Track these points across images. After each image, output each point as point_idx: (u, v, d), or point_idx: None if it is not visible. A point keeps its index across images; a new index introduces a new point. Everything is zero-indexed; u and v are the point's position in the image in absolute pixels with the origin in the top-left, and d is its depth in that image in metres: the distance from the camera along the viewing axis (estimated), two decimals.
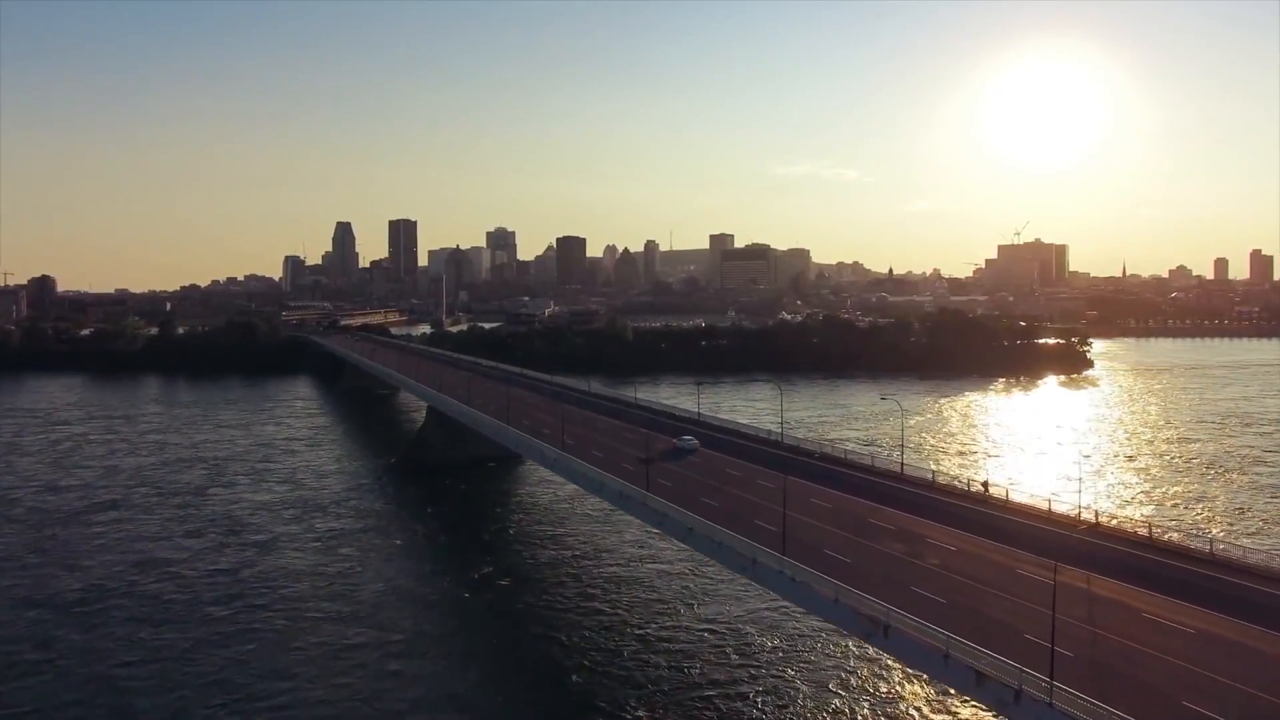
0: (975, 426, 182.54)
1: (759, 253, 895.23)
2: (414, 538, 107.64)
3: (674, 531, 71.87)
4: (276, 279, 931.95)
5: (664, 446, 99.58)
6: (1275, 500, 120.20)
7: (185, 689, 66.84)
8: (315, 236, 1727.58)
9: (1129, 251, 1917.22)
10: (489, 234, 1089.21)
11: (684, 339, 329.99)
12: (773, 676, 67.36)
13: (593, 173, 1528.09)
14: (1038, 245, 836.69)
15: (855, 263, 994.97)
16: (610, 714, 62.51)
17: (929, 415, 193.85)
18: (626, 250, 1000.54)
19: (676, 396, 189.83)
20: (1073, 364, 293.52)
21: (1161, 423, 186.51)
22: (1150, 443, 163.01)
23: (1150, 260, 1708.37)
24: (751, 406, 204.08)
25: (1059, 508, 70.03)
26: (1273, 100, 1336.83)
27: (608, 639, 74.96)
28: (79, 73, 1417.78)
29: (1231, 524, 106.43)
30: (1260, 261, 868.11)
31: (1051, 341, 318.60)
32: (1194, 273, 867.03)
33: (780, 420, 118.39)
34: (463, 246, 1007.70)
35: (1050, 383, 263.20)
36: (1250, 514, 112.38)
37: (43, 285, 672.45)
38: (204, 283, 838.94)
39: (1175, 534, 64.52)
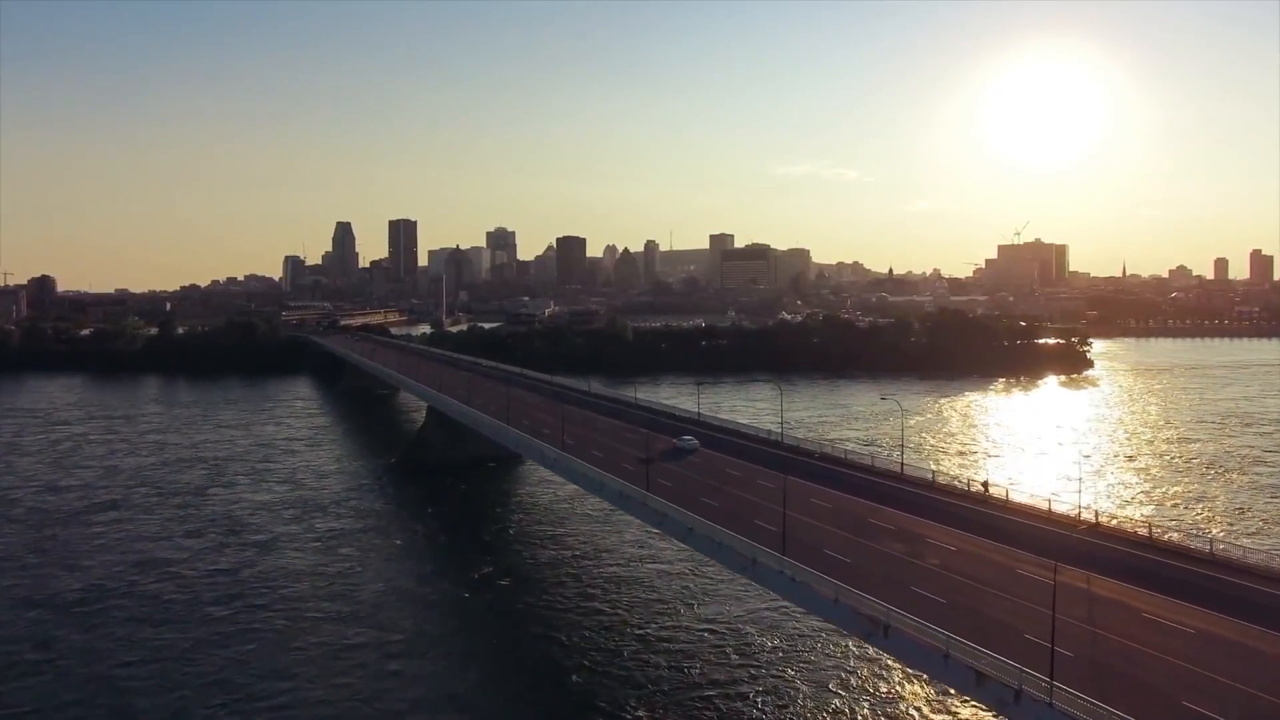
0: (975, 426, 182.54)
1: (759, 253, 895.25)
2: (414, 538, 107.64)
3: (674, 532, 71.86)
4: (276, 279, 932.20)
5: (664, 446, 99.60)
6: (1275, 500, 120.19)
7: (185, 689, 66.84)
8: (315, 236, 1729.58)
9: (1129, 251, 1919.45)
10: (489, 234, 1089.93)
11: (684, 339, 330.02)
12: (773, 676, 67.36)
13: (593, 173, 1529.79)
14: (1038, 245, 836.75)
15: (855, 263, 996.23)
16: (611, 714, 62.51)
17: (929, 415, 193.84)
18: (626, 250, 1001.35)
19: (676, 396, 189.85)
20: (1073, 364, 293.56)
21: (1162, 423, 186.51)
22: (1150, 443, 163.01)
23: (1150, 260, 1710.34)
24: (751, 406, 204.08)
25: (1059, 508, 70.01)
26: (1273, 100, 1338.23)
27: (608, 639, 74.97)
28: (79, 73, 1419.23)
29: (1232, 524, 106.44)
30: (1260, 261, 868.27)
31: (1051, 341, 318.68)
32: (1194, 273, 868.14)
33: (780, 420, 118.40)
34: (463, 246, 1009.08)
35: (1050, 383, 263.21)
36: (1250, 514, 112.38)
37: (43, 285, 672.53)
38: (204, 283, 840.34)
39: (1175, 534, 64.53)
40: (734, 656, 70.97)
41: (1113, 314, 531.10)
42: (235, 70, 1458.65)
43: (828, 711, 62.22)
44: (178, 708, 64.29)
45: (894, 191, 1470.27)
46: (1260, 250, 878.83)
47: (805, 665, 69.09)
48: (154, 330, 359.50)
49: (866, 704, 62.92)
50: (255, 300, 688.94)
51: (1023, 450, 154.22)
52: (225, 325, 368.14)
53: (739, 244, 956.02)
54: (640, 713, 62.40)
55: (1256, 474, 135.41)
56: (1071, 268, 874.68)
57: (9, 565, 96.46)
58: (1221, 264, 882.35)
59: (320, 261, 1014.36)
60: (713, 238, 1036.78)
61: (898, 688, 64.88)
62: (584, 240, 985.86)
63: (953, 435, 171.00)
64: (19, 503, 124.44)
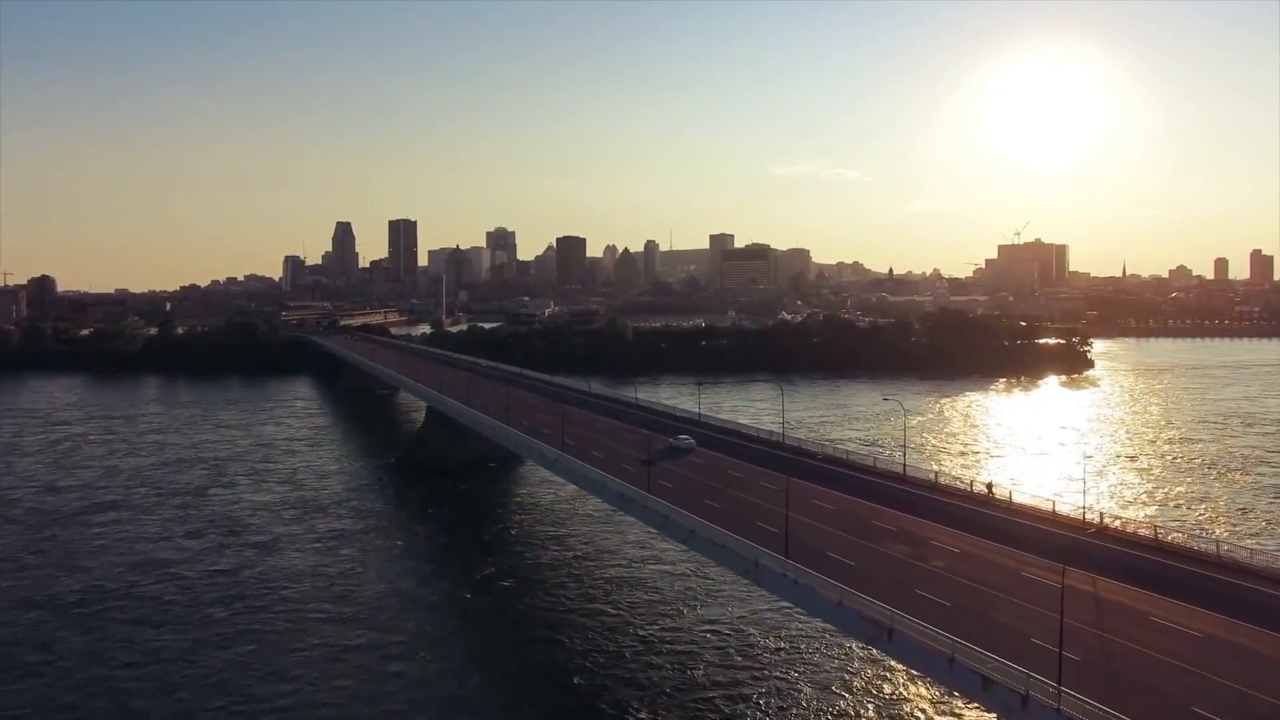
0: (976, 427, 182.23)
1: (759, 253, 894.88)
2: (415, 539, 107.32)
3: (675, 534, 71.44)
4: (276, 279, 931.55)
5: (661, 446, 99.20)
6: (1278, 501, 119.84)
7: (185, 691, 66.55)
8: (315, 236, 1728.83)
9: (1129, 251, 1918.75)
10: (489, 234, 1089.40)
11: (684, 339, 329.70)
12: (776, 678, 67.05)
13: (593, 173, 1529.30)
14: (1038, 245, 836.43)
15: (855, 263, 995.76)
16: (613, 716, 62.20)
17: (930, 415, 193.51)
18: (626, 250, 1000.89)
19: (677, 397, 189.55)
20: (1073, 364, 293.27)
21: (1163, 423, 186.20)
22: (1152, 443, 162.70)
23: (1150, 260, 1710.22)
24: (752, 406, 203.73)
25: (1063, 509, 69.66)
26: (1273, 100, 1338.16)
27: (610, 640, 74.64)
28: (79, 73, 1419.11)
29: (1235, 525, 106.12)
30: (1260, 261, 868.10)
31: (1052, 341, 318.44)
32: (1194, 273, 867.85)
33: (782, 421, 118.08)
34: (463, 246, 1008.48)
35: (1051, 383, 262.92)
36: (1254, 514, 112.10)
37: (43, 285, 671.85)
38: (204, 283, 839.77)
39: (1181, 536, 64.07)
40: (737, 658, 70.66)
41: (1113, 314, 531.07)
42: (235, 70, 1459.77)
43: (831, 714, 61.92)
44: (178, 710, 63.99)
45: (894, 191, 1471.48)
46: (1260, 250, 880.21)
47: (808, 667, 68.79)
48: (154, 330, 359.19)
49: (871, 706, 62.62)
50: (255, 300, 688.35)
51: (1024, 450, 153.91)
52: (225, 325, 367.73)
53: (739, 244, 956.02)
54: (643, 714, 62.09)
55: (1259, 474, 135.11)
56: (1071, 268, 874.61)
57: (9, 566, 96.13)
58: (1221, 264, 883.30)
59: (320, 261, 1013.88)
60: (713, 238, 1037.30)
61: (902, 690, 64.58)
62: (584, 240, 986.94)
63: (954, 435, 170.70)
64: (18, 503, 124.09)
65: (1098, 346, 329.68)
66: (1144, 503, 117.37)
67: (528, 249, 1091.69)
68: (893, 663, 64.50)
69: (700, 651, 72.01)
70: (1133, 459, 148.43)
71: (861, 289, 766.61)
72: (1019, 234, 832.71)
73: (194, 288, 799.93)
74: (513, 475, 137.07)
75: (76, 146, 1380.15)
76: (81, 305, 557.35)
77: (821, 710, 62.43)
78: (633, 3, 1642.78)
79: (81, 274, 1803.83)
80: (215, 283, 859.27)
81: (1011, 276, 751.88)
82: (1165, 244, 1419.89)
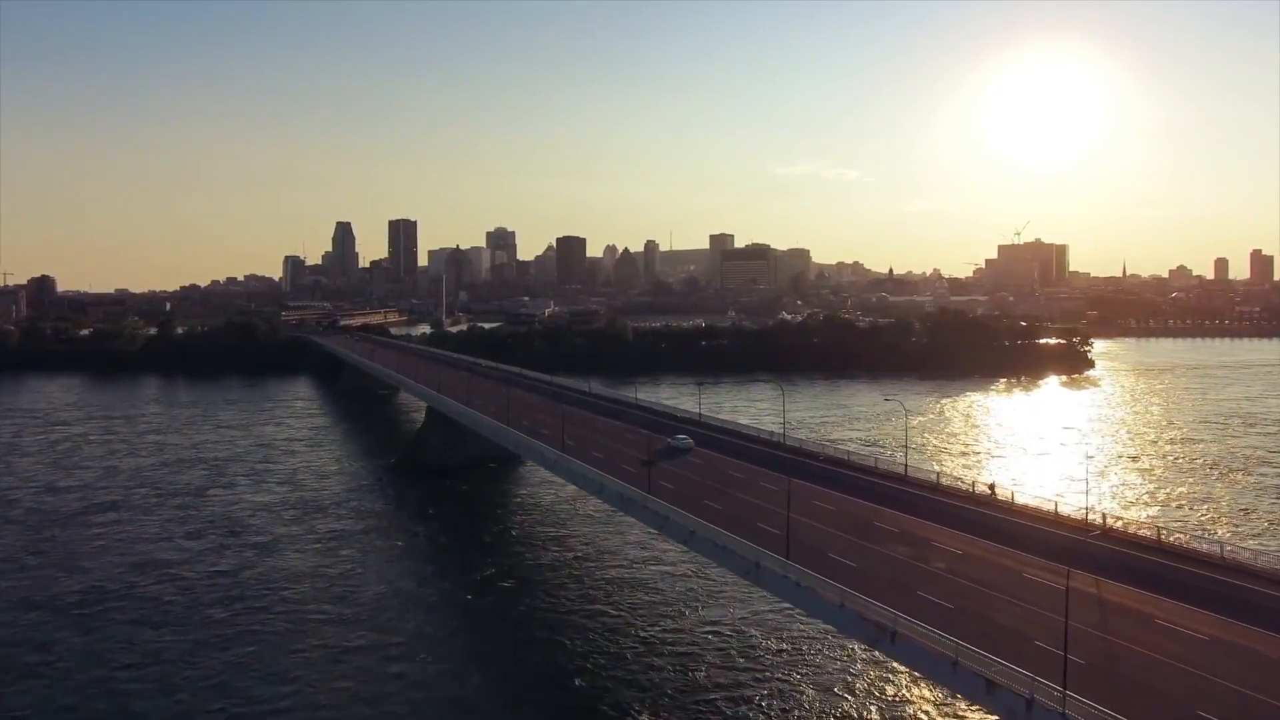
0: (977, 427, 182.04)
1: (759, 253, 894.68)
2: (415, 539, 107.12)
3: (676, 535, 71.24)
4: (276, 279, 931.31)
5: (661, 447, 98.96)
6: None
7: (185, 692, 66.36)
8: (315, 236, 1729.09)
9: (1129, 251, 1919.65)
10: (489, 234, 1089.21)
11: (684, 339, 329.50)
12: (778, 679, 66.86)
13: (593, 173, 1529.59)
14: (1038, 245, 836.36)
15: (855, 263, 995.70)
16: (614, 718, 61.99)
17: (931, 416, 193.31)
18: (626, 250, 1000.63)
19: (677, 397, 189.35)
20: (1074, 364, 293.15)
21: (1164, 423, 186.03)
22: (1153, 443, 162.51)
23: (1150, 260, 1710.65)
24: (752, 407, 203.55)
25: (1065, 510, 69.44)
26: (1273, 100, 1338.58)
27: (611, 641, 74.43)
28: (79, 73, 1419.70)
29: (1237, 525, 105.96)
30: (1260, 261, 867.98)
31: (1052, 342, 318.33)
32: (1194, 273, 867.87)
33: (782, 421, 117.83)
34: (463, 246, 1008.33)
35: (1051, 383, 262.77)
36: (1256, 515, 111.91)
37: (42, 285, 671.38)
38: (204, 283, 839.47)
39: (1184, 537, 63.84)
40: (739, 660, 70.45)
41: (1113, 314, 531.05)
42: (235, 70, 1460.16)
43: (834, 716, 61.71)
44: (178, 711, 63.79)
45: (894, 191, 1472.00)
46: (1260, 250, 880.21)
47: (811, 668, 68.59)
48: (153, 330, 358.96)
49: (873, 708, 62.41)
50: (255, 300, 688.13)
51: (1025, 451, 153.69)
52: (225, 325, 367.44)
53: (739, 244, 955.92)
54: (644, 716, 61.90)
55: (1261, 475, 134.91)
56: (1071, 268, 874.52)
57: (8, 566, 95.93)
58: (1221, 264, 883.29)
59: (320, 261, 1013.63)
60: (713, 238, 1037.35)
61: (905, 691, 64.36)
62: (584, 240, 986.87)
63: (955, 436, 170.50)
64: (18, 503, 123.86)
65: (1098, 346, 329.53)
66: (1146, 503, 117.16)
67: (528, 249, 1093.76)
68: (895, 664, 64.31)
69: (702, 653, 71.83)
70: (1134, 459, 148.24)
71: (861, 289, 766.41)
72: (1019, 234, 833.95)
73: (194, 288, 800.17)
74: (513, 475, 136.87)
75: (76, 146, 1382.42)
76: (81, 305, 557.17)
77: (824, 712, 62.23)
78: (633, 3, 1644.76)
79: (81, 274, 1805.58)
80: (215, 283, 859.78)
81: (1011, 276, 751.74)
82: (1165, 244, 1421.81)
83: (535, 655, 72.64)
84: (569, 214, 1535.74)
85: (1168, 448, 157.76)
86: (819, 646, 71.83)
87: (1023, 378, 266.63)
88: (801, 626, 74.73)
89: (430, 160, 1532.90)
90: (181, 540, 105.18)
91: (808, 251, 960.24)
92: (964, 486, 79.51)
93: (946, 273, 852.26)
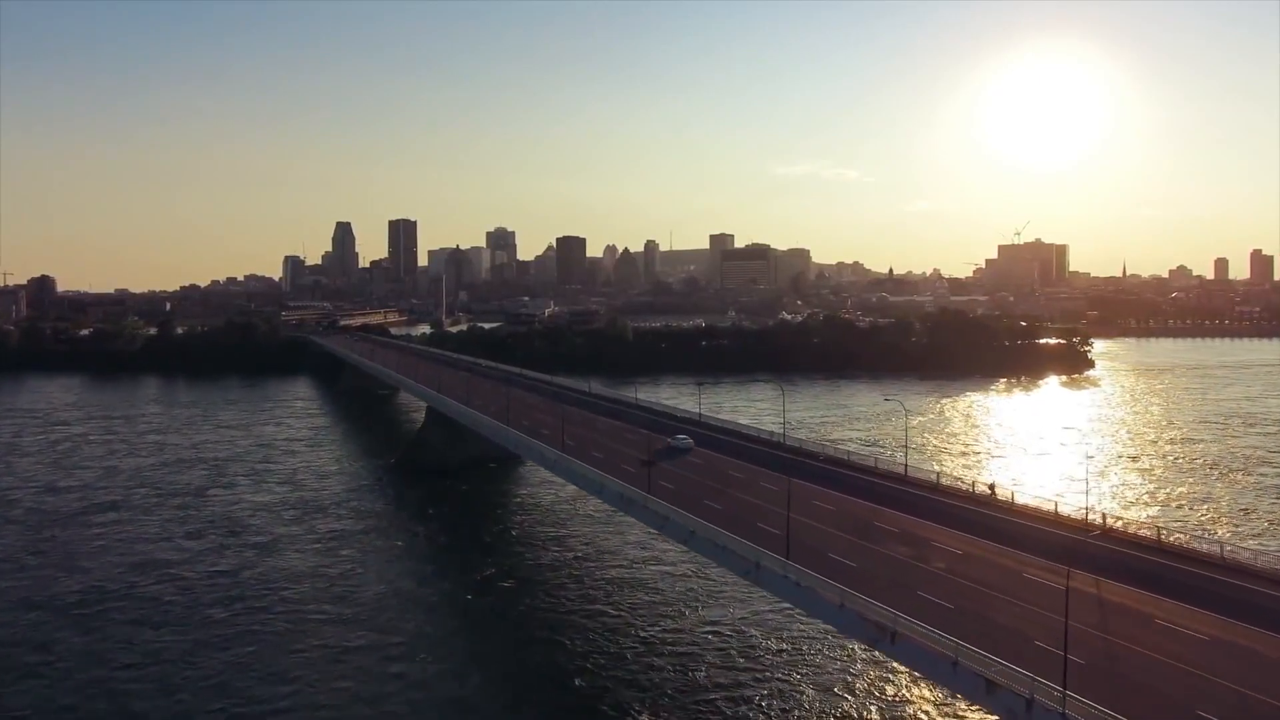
0: (977, 427, 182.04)
1: (759, 253, 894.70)
2: (415, 539, 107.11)
3: (675, 535, 71.24)
4: (276, 279, 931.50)
5: (659, 446, 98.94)
6: None
7: (185, 692, 66.35)
8: (315, 236, 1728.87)
9: (1129, 251, 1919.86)
10: (489, 234, 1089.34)
11: (684, 339, 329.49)
12: (778, 679, 66.86)
13: (593, 173, 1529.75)
14: (1038, 245, 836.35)
15: (855, 263, 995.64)
16: (615, 718, 61.97)
17: (931, 415, 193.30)
18: (626, 250, 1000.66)
19: (677, 397, 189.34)
20: (1074, 364, 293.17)
21: (1164, 423, 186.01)
22: (1154, 443, 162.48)
23: (1150, 260, 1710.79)
24: (752, 407, 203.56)
25: (1065, 510, 69.43)
26: (1273, 100, 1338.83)
27: (611, 641, 74.42)
28: (79, 73, 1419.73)
29: (1238, 525, 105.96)
30: (1260, 261, 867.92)
31: (1052, 342, 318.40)
32: (1194, 273, 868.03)
33: (783, 421, 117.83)
34: (463, 246, 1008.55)
35: (1052, 383, 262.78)
36: (1256, 515, 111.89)
37: (42, 285, 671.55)
38: (204, 283, 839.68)
39: (1184, 537, 63.83)
40: (739, 659, 70.45)
41: (1113, 314, 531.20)
42: (235, 70, 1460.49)
43: (834, 716, 61.71)
44: (178, 711, 63.78)
45: (894, 191, 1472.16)
46: (1260, 250, 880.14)
47: (811, 668, 68.59)
48: (153, 330, 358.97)
49: (874, 708, 62.40)
50: (255, 300, 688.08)
51: (1025, 451, 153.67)
52: (225, 325, 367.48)
53: (739, 244, 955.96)
54: (644, 716, 61.89)
55: (1261, 475, 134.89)
56: (1071, 268, 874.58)
57: (8, 566, 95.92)
58: (1222, 264, 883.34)
59: (320, 261, 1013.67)
60: (713, 238, 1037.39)
61: (905, 692, 64.35)
62: (584, 240, 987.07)
63: (955, 436, 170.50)
64: (18, 503, 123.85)
65: (1098, 346, 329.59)
66: (1146, 503, 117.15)
67: (528, 249, 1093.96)
68: (895, 664, 64.31)
69: (702, 653, 71.82)
70: (1134, 459, 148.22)
71: (861, 289, 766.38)
72: (1019, 234, 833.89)
73: (194, 288, 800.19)
74: (513, 475, 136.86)
75: (76, 146, 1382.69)
76: (81, 305, 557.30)
77: (824, 713, 62.23)
78: (633, 3, 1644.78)
79: (81, 274, 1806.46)
80: (215, 283, 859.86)
81: (1011, 276, 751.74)
82: (1165, 244, 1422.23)
83: (535, 655, 72.64)
84: (569, 214, 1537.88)
85: (1168, 448, 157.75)
86: (819, 646, 71.83)
87: (1023, 378, 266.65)
88: (802, 626, 74.73)
89: (430, 160, 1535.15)
90: (181, 540, 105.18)
91: (808, 251, 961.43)
92: (964, 486, 79.50)
93: (946, 273, 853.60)
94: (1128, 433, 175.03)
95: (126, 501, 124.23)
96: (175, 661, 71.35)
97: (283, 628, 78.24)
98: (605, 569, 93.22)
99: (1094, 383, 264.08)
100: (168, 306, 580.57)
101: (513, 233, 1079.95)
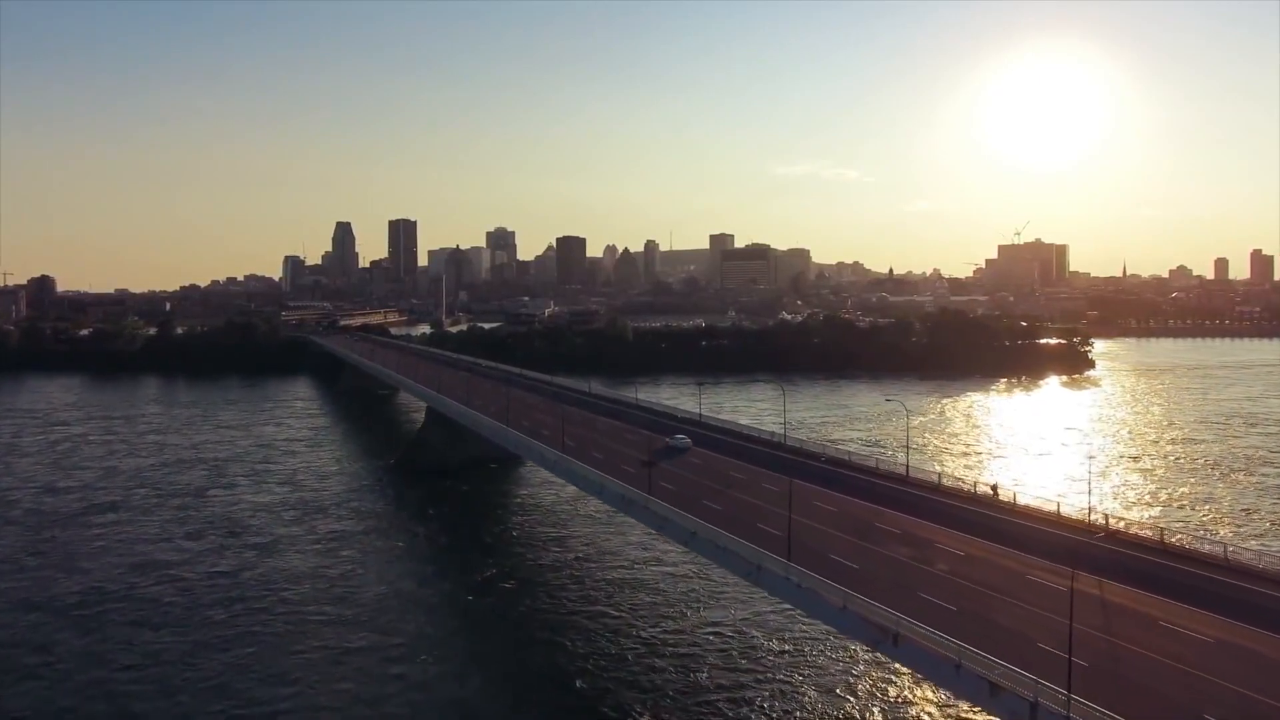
0: (978, 427, 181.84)
1: (759, 253, 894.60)
2: (415, 540, 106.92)
3: (676, 536, 71.07)
4: (276, 279, 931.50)
5: (659, 446, 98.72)
6: None
7: (185, 693, 66.17)
8: (315, 236, 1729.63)
9: (1129, 251, 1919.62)
10: (489, 234, 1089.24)
11: (684, 339, 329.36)
12: (780, 681, 66.67)
13: (593, 173, 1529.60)
14: (1038, 245, 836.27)
15: (855, 263, 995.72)
16: (616, 719, 61.87)
17: (931, 416, 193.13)
18: (626, 250, 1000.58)
19: (678, 397, 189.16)
20: (1074, 364, 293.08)
21: (1165, 423, 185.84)
22: (1155, 443, 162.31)
23: (1150, 260, 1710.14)
24: (753, 407, 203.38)
25: (1067, 511, 69.27)
26: (1273, 100, 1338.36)
27: (612, 643, 74.24)
28: (79, 73, 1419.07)
29: (1240, 526, 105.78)
30: (1261, 261, 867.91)
31: (1053, 342, 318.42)
32: (1194, 273, 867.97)
33: (784, 421, 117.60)
34: (463, 246, 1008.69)
35: (1052, 383, 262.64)
36: (1259, 515, 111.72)
37: (42, 285, 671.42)
38: (204, 283, 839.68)
39: (1188, 538, 63.64)
40: (740, 661, 70.26)
41: (1113, 314, 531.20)
42: (235, 70, 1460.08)
43: (836, 718, 61.51)
44: (178, 713, 63.61)
45: (894, 191, 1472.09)
46: (1260, 250, 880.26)
47: (813, 670, 68.39)
48: (153, 330, 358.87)
49: (876, 710, 62.22)
50: (255, 300, 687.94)
51: (1027, 451, 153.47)
52: (225, 325, 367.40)
53: (739, 244, 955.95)
54: (645, 718, 61.70)
55: (1263, 475, 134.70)
56: (1072, 268, 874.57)
57: (8, 567, 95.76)
58: (1222, 264, 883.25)
59: (320, 261, 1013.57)
60: (713, 238, 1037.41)
61: (907, 693, 64.15)
62: (584, 240, 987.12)
63: (956, 436, 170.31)
64: (18, 504, 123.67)
65: (1098, 346, 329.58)
66: (1148, 504, 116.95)
67: (528, 249, 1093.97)
68: (897, 666, 64.15)
69: (703, 654, 71.64)
70: (1135, 459, 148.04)
71: (861, 289, 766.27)
72: (1019, 234, 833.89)
73: (194, 288, 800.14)
74: (513, 476, 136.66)
75: (76, 146, 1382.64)
76: (81, 305, 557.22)
77: (826, 714, 62.05)
78: (633, 3, 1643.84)
79: (81, 274, 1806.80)
80: (215, 283, 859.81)
81: (1012, 276, 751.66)
82: (1165, 244, 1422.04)
83: (536, 656, 72.45)
84: (569, 214, 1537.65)
85: (1169, 448, 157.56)
86: (821, 648, 71.64)
87: (1023, 378, 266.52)
88: (803, 627, 74.53)
89: (430, 160, 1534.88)
90: (181, 541, 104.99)
91: (808, 251, 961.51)
92: (966, 487, 79.32)
93: (946, 273, 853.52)
94: (1129, 433, 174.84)
95: (126, 502, 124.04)
96: (175, 663, 71.18)
97: (283, 629, 78.06)
98: (606, 570, 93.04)
99: (1094, 383, 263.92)
100: (168, 306, 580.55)
101: (513, 233, 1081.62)
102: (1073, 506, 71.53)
